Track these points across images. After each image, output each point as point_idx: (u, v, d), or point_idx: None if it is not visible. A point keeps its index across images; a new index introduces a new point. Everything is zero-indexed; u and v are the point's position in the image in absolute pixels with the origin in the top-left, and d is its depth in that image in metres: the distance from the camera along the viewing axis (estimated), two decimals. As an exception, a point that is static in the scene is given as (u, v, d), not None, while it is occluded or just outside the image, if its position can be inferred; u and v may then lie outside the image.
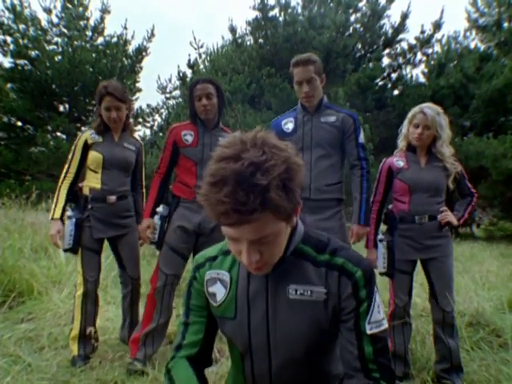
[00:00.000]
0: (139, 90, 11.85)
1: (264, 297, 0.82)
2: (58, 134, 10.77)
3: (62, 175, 2.08)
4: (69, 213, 2.02)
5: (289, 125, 2.05)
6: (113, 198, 2.07)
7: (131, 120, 2.33)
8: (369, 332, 0.78)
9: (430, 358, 2.08)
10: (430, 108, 1.91)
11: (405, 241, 1.94)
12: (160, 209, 2.01)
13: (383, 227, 2.05)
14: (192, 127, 2.07)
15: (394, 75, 10.23)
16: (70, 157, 2.09)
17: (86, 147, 2.07)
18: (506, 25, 9.13)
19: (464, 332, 2.19)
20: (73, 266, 3.25)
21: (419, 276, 2.41)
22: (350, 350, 0.79)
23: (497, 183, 7.98)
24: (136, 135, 2.35)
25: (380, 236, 1.96)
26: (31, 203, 4.01)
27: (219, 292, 0.87)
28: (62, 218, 2.02)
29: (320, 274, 0.80)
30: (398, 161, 2.01)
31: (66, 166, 2.08)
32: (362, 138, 1.98)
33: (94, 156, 2.05)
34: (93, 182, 2.07)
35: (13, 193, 4.42)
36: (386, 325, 0.80)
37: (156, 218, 1.99)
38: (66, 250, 2.03)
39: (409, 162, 1.98)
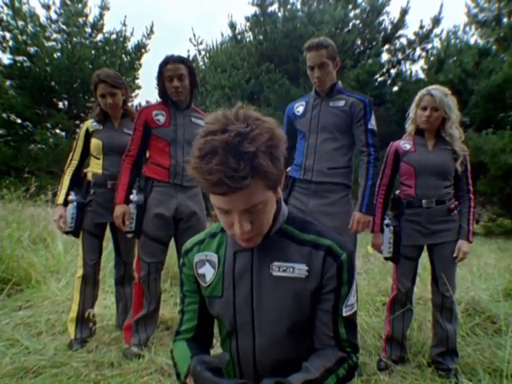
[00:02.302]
0: (138, 87, 11.87)
1: (249, 274, 0.85)
2: (58, 131, 10.80)
3: (67, 163, 2.16)
4: (71, 197, 2.06)
5: (300, 108, 2.05)
6: (114, 182, 2.08)
7: (132, 105, 2.36)
8: (344, 314, 0.83)
9: (426, 343, 2.10)
10: (437, 89, 1.88)
11: (412, 226, 1.91)
12: (134, 197, 1.96)
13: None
14: (163, 107, 2.02)
15: (393, 71, 10.24)
16: (74, 145, 2.16)
17: (88, 135, 2.13)
18: (505, 20, 9.11)
19: (460, 318, 2.20)
20: (71, 256, 3.27)
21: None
22: (324, 331, 0.83)
23: (496, 179, 7.98)
24: None
25: (386, 221, 1.93)
26: (30, 196, 4.02)
27: (208, 273, 0.89)
28: (65, 204, 2.06)
29: (303, 253, 0.83)
30: (404, 144, 1.99)
31: (71, 154, 2.16)
32: (372, 124, 1.92)
33: (94, 143, 2.10)
34: (95, 167, 2.12)
35: (12, 186, 4.44)
36: (356, 307, 0.87)
37: (131, 207, 1.95)
38: (67, 233, 2.07)
39: (416, 145, 1.96)
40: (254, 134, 0.68)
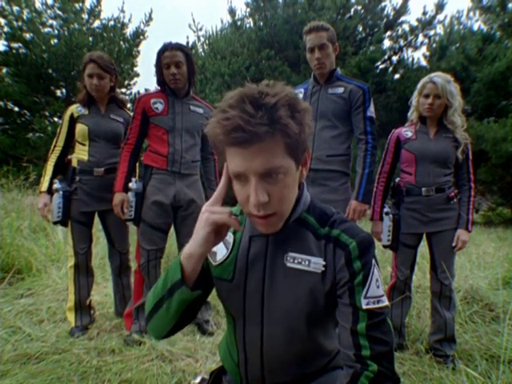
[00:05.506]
0: (137, 75, 11.69)
1: (262, 262, 0.81)
2: (56, 119, 10.66)
3: (51, 149, 2.11)
4: (56, 185, 2.01)
5: (298, 95, 2.04)
6: (100, 170, 2.06)
7: (130, 93, 2.32)
8: (364, 307, 0.73)
9: (425, 330, 2.12)
10: (439, 76, 1.87)
11: (411, 214, 1.91)
12: (133, 185, 1.96)
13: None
14: (161, 95, 2.01)
15: (394, 58, 10.07)
16: (58, 131, 2.11)
17: (73, 120, 2.08)
18: (510, 5, 8.90)
19: (459, 306, 2.22)
20: (71, 244, 3.28)
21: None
22: (343, 324, 0.75)
23: (496, 167, 7.94)
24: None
25: (386, 209, 1.94)
26: (29, 185, 4.01)
27: (220, 251, 0.86)
28: (50, 191, 2.03)
29: (320, 246, 0.79)
30: (406, 131, 1.99)
31: (54, 140, 2.11)
32: (371, 111, 1.92)
33: (80, 128, 2.06)
34: (81, 154, 2.08)
35: (11, 175, 4.41)
36: (385, 302, 0.75)
37: (130, 195, 1.95)
38: (55, 223, 2.04)
39: (417, 132, 1.96)
40: (276, 91, 0.69)
